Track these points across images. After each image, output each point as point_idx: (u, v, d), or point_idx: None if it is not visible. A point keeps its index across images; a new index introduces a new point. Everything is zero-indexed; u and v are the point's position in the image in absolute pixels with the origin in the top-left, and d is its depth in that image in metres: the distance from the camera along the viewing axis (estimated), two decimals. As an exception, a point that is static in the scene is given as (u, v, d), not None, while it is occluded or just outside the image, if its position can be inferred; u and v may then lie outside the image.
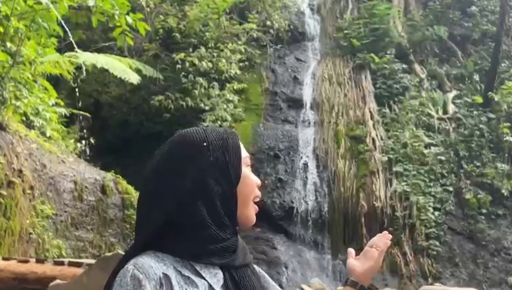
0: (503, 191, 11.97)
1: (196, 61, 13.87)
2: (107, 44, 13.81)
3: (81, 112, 12.15)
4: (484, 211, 11.84)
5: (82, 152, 11.86)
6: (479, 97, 13.53)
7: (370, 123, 13.22)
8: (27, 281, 6.04)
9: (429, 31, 15.13)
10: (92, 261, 6.08)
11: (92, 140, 12.10)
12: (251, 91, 14.27)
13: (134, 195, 10.41)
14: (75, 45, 9.37)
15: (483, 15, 15.59)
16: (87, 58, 9.90)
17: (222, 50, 14.29)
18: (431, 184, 12.14)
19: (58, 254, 8.53)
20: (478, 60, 14.79)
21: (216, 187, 1.45)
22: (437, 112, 13.52)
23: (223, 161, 1.47)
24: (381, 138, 13.00)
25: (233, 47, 14.41)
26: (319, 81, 14.46)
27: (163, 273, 1.38)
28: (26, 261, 6.37)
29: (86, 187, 9.78)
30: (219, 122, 12.89)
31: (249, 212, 1.52)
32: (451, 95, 13.98)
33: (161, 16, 14.87)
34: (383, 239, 1.67)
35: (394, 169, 12.34)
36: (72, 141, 11.69)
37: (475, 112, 13.24)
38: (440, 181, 12.25)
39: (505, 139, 12.53)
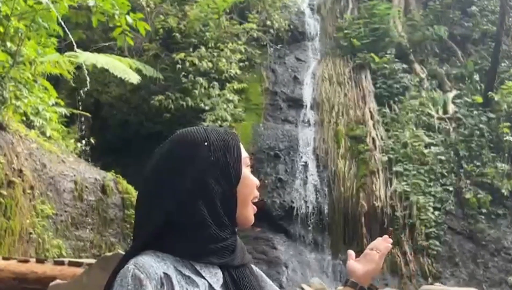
0: (503, 190, 11.98)
1: (196, 61, 13.87)
2: (107, 44, 13.82)
3: (81, 112, 12.16)
4: (484, 210, 11.85)
5: (82, 152, 11.86)
6: (479, 97, 13.54)
7: (370, 123, 13.22)
8: (27, 281, 6.04)
9: (429, 31, 15.14)
10: (92, 261, 6.08)
11: (92, 140, 12.10)
12: (251, 91, 14.27)
13: (134, 195, 10.41)
14: (75, 45, 9.38)
15: (483, 15, 15.59)
16: (87, 58, 9.90)
17: (222, 50, 14.30)
18: (431, 183, 12.15)
19: (58, 254, 8.53)
20: (478, 60, 14.80)
21: (216, 187, 1.45)
22: (437, 112, 13.53)
23: (224, 162, 1.47)
24: (381, 138, 13.00)
25: (233, 47, 14.41)
26: (319, 81, 14.46)
27: (163, 272, 1.38)
28: (26, 261, 6.37)
29: (86, 187, 9.78)
30: (219, 122, 12.89)
31: (248, 212, 1.52)
32: (451, 95, 13.98)
33: (161, 16, 14.87)
34: (384, 243, 1.69)
35: (394, 169, 12.35)
36: (72, 141, 11.69)
37: (475, 112, 13.25)
38: (440, 180, 12.25)
39: (505, 139, 12.54)
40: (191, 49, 14.25)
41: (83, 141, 12.06)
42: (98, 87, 14.32)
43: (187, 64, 13.84)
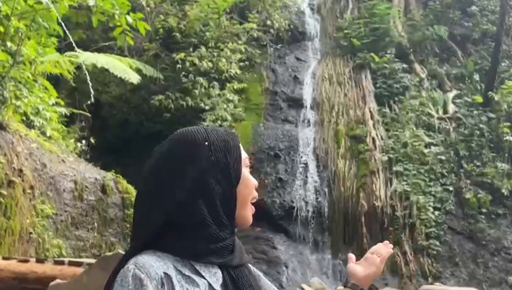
0: (503, 190, 11.98)
1: (196, 61, 13.87)
2: (107, 43, 13.82)
3: (81, 112, 12.16)
4: (484, 210, 11.85)
5: (82, 151, 11.86)
6: (479, 96, 13.54)
7: (370, 122, 13.23)
8: (27, 281, 6.05)
9: (429, 30, 15.14)
10: (93, 260, 6.08)
11: (92, 140, 12.10)
12: (251, 90, 14.27)
13: (134, 194, 10.34)
14: (75, 45, 9.37)
15: (483, 14, 15.59)
16: (87, 57, 9.90)
17: (222, 50, 14.30)
18: (431, 183, 12.15)
19: (58, 253, 8.53)
20: (478, 59, 14.80)
21: (216, 187, 1.45)
22: (437, 111, 13.53)
23: (225, 162, 1.47)
24: (381, 138, 13.00)
25: (233, 47, 14.41)
26: (319, 81, 14.46)
27: (164, 272, 1.38)
28: (26, 261, 6.37)
29: (86, 186, 9.78)
30: (219, 122, 12.89)
31: (247, 212, 1.53)
32: (451, 94, 13.98)
33: (161, 15, 14.87)
34: (385, 248, 1.72)
35: (394, 168, 12.35)
36: (72, 140, 11.69)
37: (475, 112, 13.25)
38: (440, 180, 12.25)
39: (505, 138, 12.54)
40: (191, 49, 14.25)
41: (83, 141, 12.06)
42: (98, 87, 14.31)
43: (187, 64, 13.84)
